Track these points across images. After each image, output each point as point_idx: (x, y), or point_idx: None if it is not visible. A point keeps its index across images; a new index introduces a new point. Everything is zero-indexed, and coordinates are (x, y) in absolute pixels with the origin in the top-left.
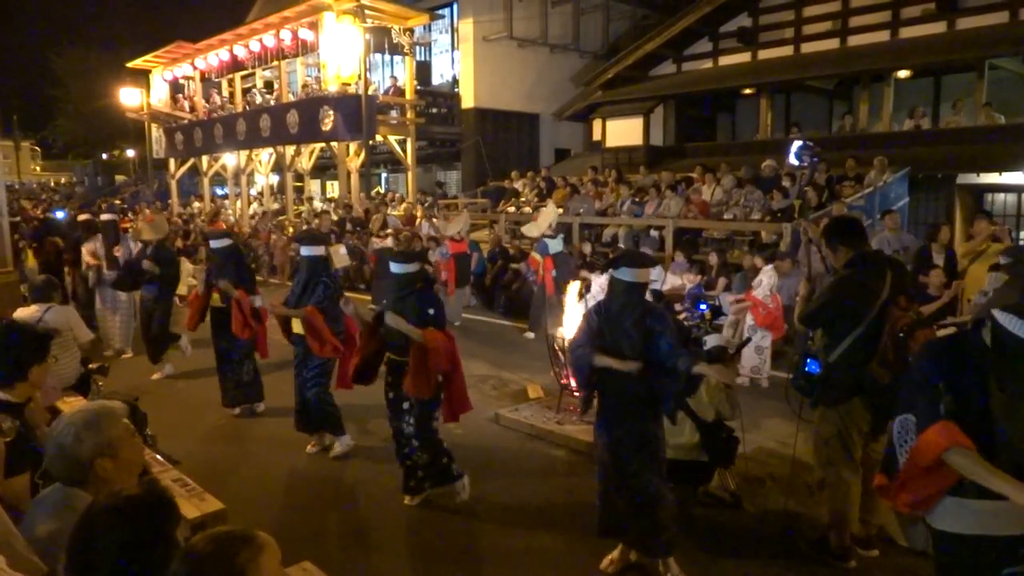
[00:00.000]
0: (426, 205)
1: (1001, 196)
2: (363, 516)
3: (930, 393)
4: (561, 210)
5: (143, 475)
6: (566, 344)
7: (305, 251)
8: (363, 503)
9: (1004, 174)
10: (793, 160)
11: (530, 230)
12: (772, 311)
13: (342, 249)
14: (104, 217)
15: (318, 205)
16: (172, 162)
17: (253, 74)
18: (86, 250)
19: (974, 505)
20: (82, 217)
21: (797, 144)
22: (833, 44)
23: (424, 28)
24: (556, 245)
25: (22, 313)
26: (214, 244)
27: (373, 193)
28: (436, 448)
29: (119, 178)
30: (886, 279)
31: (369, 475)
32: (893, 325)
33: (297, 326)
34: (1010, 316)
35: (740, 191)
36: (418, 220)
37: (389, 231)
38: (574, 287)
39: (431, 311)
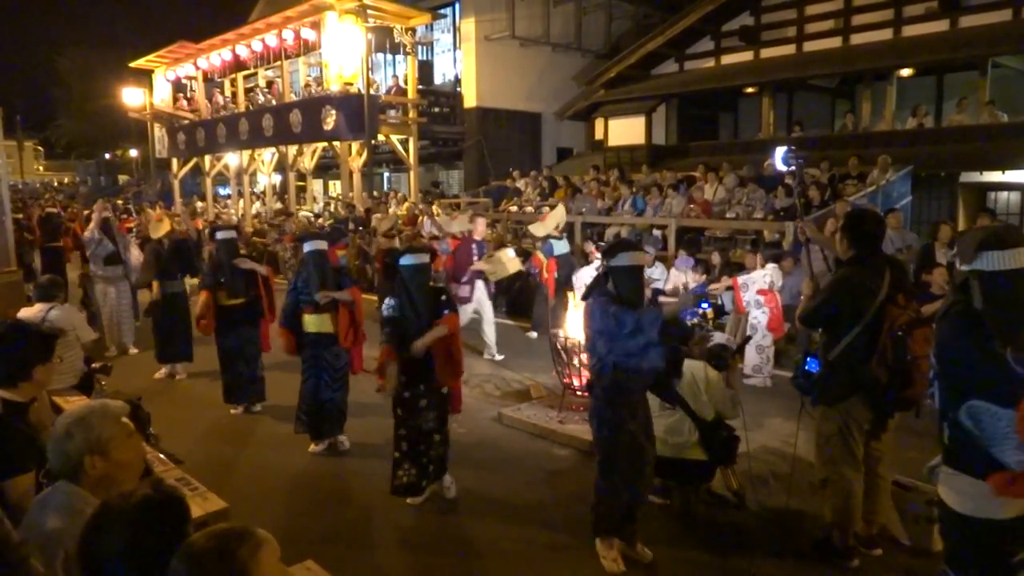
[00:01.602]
0: (422, 205)
1: (1004, 194)
2: (366, 514)
3: (994, 362)
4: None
5: (147, 475)
6: (574, 343)
7: (308, 246)
8: (366, 501)
9: (1007, 172)
10: (780, 166)
11: (536, 229)
12: (774, 311)
13: (510, 251)
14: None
15: (304, 215)
16: (175, 162)
17: (255, 74)
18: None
19: None
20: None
21: (782, 150)
22: (835, 42)
23: (426, 27)
24: (561, 247)
25: (26, 313)
26: (220, 235)
27: (375, 193)
28: (448, 441)
29: (122, 178)
30: (885, 278)
31: (371, 473)
32: (892, 324)
33: (318, 325)
34: (990, 253)
35: (743, 190)
36: (420, 219)
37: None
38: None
39: (443, 296)
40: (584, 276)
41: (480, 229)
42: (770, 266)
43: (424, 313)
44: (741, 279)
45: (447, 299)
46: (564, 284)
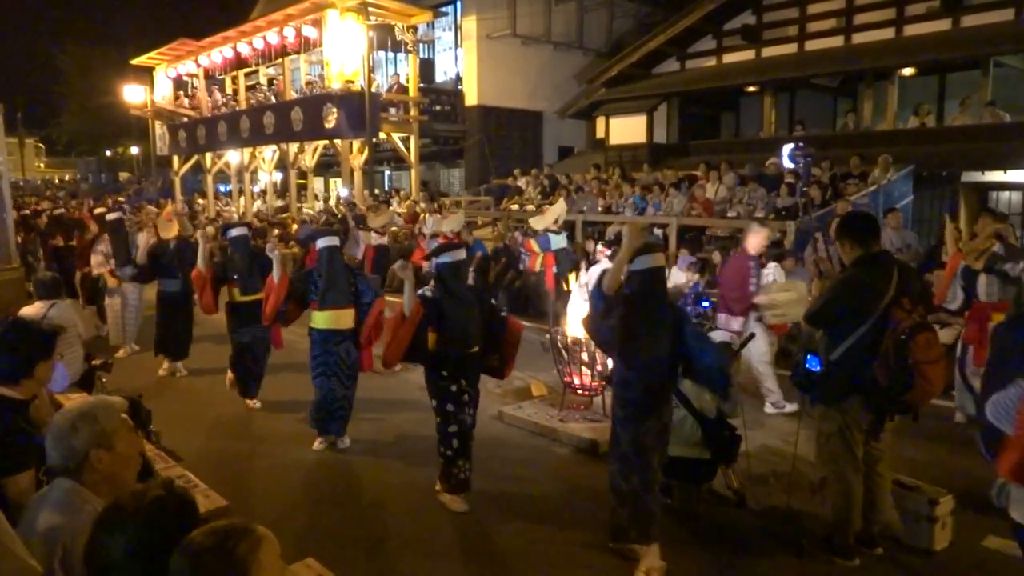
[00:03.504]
0: (423, 203)
1: (1006, 194)
2: (368, 513)
3: None
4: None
5: (149, 474)
6: (570, 341)
7: (322, 243)
8: (368, 499)
9: (1009, 172)
10: (787, 163)
11: (536, 223)
12: None
13: (802, 286)
14: (110, 217)
15: (308, 212)
16: (176, 159)
17: (257, 71)
18: (95, 261)
19: None
20: (99, 211)
21: (789, 147)
22: (837, 41)
23: (427, 25)
24: (559, 241)
25: (27, 310)
26: (233, 232)
27: (375, 191)
28: None
29: (123, 175)
30: (892, 280)
31: (374, 471)
32: (895, 327)
33: (331, 321)
34: None
35: (744, 189)
36: (421, 217)
37: (393, 228)
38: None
39: (490, 299)
40: (594, 275)
41: (755, 241)
42: (772, 265)
43: (471, 303)
44: None
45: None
46: (562, 278)
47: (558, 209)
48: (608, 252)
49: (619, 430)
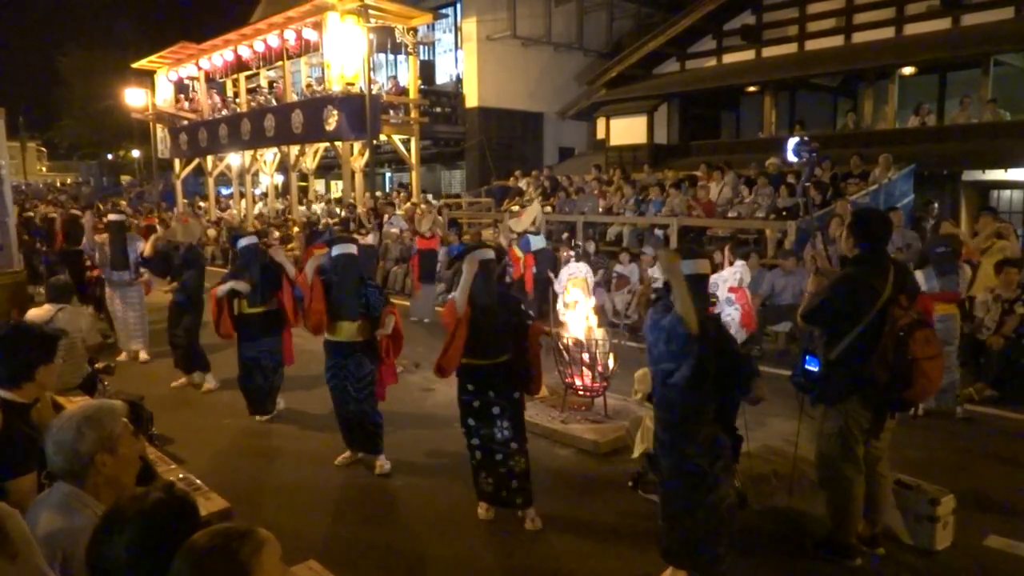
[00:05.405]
0: (424, 205)
1: (1007, 192)
2: (370, 518)
3: None
4: (547, 208)
5: (150, 477)
6: (571, 342)
7: (338, 249)
8: (372, 506)
9: (1009, 170)
10: (791, 157)
11: (515, 225)
12: (745, 307)
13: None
14: (111, 218)
15: (312, 211)
16: (177, 162)
17: (257, 74)
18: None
19: None
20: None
21: (794, 140)
22: (838, 41)
23: (427, 27)
24: (538, 242)
25: (35, 313)
26: (242, 242)
27: (378, 193)
28: (527, 454)
29: (124, 178)
30: (888, 278)
31: (381, 481)
32: (893, 325)
33: (341, 333)
34: None
35: (751, 188)
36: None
37: (394, 229)
38: (575, 282)
39: (518, 302)
40: (563, 276)
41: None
42: (739, 263)
43: (498, 310)
44: (712, 277)
45: (523, 307)
46: (543, 279)
47: (534, 210)
48: (573, 254)
49: (660, 454)
